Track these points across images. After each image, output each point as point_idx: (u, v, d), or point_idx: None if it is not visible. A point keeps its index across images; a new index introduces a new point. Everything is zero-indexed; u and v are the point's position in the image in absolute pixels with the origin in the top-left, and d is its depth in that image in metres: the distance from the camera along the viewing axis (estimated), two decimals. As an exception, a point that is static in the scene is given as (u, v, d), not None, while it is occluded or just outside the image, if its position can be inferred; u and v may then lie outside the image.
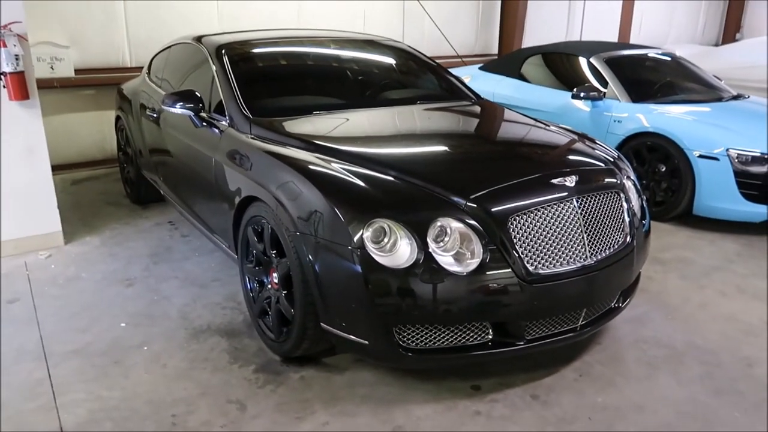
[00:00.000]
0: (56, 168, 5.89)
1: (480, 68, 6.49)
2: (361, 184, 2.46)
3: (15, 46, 3.59)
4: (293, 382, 2.63)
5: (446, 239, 2.32)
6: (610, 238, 2.62)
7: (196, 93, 3.34)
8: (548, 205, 2.46)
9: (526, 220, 2.40)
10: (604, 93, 5.02)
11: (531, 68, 5.88)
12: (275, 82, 3.60)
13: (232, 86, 3.30)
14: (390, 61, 4.08)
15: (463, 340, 2.41)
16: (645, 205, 3.06)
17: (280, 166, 2.66)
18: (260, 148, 2.84)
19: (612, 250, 2.61)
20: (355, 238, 2.28)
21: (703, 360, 2.83)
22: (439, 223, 2.32)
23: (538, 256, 2.39)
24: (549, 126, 3.35)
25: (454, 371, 2.68)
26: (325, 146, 2.78)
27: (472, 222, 2.35)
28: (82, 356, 2.83)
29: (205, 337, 2.99)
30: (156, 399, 2.52)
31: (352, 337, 2.40)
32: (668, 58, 5.71)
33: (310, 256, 2.41)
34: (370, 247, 2.27)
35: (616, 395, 2.57)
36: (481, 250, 2.32)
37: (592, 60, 5.28)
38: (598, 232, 2.57)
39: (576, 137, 3.20)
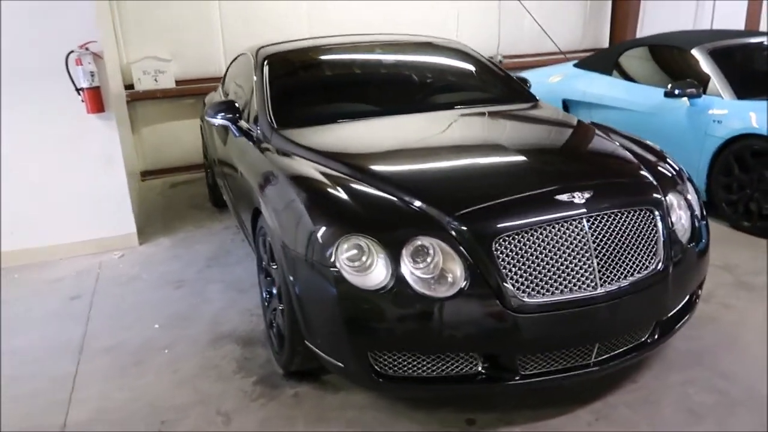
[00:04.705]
0: (159, 172, 6.45)
1: (575, 65, 6.00)
2: (345, 197, 2.34)
3: (89, 63, 3.92)
4: (286, 397, 2.59)
5: (427, 259, 2.14)
6: (634, 263, 2.26)
7: (235, 104, 3.42)
8: (548, 225, 2.17)
9: (518, 242, 2.14)
10: (703, 89, 4.39)
11: (626, 63, 5.32)
12: (311, 91, 3.58)
13: (265, 96, 3.33)
14: (438, 64, 3.89)
15: (450, 370, 2.21)
16: (701, 223, 2.62)
17: (275, 176, 2.64)
18: (267, 158, 2.84)
19: (636, 278, 2.25)
20: (329, 255, 2.17)
21: (760, 412, 2.35)
22: (419, 242, 2.15)
23: (531, 283, 2.12)
24: (601, 133, 2.98)
25: (452, 400, 2.48)
26: (325, 157, 2.69)
27: (456, 242, 2.14)
28: (113, 354, 3.01)
29: (223, 343, 3.05)
30: (156, 403, 2.60)
31: (329, 358, 2.31)
32: (796, 46, 4.87)
33: (290, 271, 2.35)
34: (345, 266, 2.16)
35: (634, 447, 2.22)
36: (463, 274, 2.11)
37: (693, 51, 4.65)
38: (616, 256, 2.23)
39: (624, 148, 2.82)
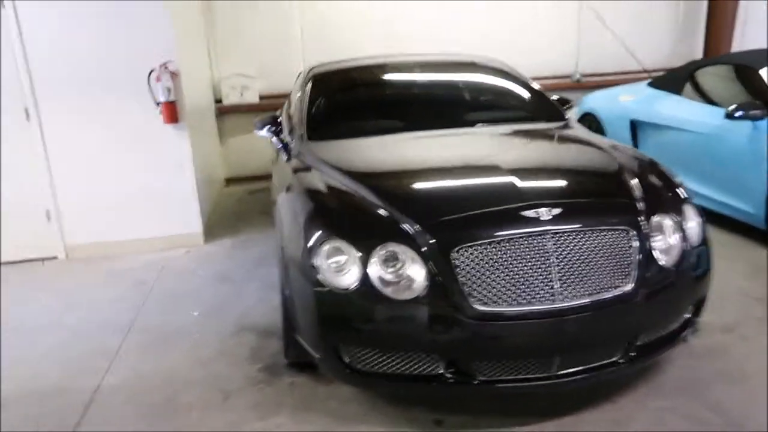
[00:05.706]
0: (242, 179, 7.03)
1: (649, 84, 5.81)
2: (337, 207, 2.58)
3: (167, 80, 4.47)
4: (282, 385, 2.84)
5: (396, 265, 2.31)
6: (600, 282, 2.29)
7: (278, 118, 3.77)
8: (510, 239, 2.27)
9: (479, 253, 2.25)
10: None
11: (696, 83, 5.10)
12: (345, 107, 3.86)
13: (303, 110, 3.65)
14: (471, 82, 4.03)
15: (415, 370, 2.36)
16: (698, 249, 2.56)
17: (287, 182, 2.95)
18: (290, 170, 3.14)
19: (600, 296, 2.27)
20: (311, 256, 2.40)
21: (737, 446, 2.27)
22: (389, 248, 2.33)
23: (488, 293, 2.23)
24: (612, 156, 2.95)
25: (424, 400, 2.61)
26: (334, 169, 2.91)
27: (422, 250, 2.30)
28: (152, 334, 3.43)
29: (244, 333, 3.37)
30: (172, 377, 2.97)
31: (310, 349, 2.53)
32: None
33: (285, 271, 2.63)
34: (323, 265, 2.38)
35: (588, 463, 2.23)
36: (424, 280, 2.26)
37: (762, 71, 4.40)
38: (580, 273, 2.27)
39: (622, 167, 2.81)
